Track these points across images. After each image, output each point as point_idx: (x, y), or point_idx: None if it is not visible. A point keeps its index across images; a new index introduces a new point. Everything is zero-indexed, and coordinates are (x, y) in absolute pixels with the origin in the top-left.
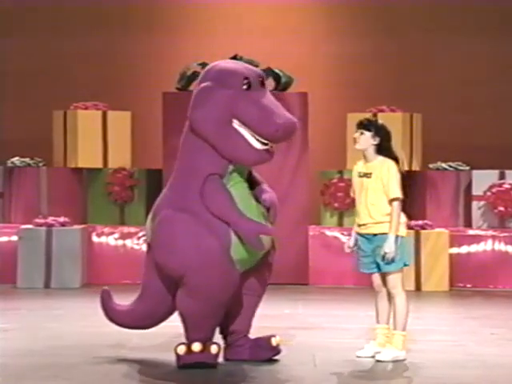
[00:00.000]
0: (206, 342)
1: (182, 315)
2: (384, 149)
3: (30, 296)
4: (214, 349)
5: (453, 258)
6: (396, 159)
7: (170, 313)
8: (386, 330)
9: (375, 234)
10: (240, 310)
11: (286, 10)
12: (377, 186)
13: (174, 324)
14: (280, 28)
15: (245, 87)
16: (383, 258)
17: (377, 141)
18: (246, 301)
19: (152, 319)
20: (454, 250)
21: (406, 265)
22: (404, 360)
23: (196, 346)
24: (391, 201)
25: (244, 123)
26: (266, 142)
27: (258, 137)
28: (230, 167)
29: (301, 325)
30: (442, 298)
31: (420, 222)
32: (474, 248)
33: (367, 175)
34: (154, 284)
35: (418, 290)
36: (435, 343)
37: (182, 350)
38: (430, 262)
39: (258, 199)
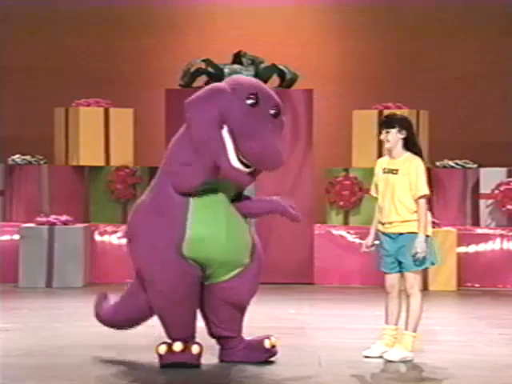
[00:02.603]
0: (188, 341)
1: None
2: (411, 143)
3: (32, 295)
4: (195, 349)
5: (460, 258)
6: (421, 153)
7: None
8: (393, 332)
9: (401, 233)
10: (225, 318)
11: (292, 7)
12: (404, 182)
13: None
14: (285, 25)
15: (249, 102)
16: (414, 257)
17: (404, 134)
18: (230, 308)
19: (129, 321)
20: (462, 249)
21: (433, 264)
22: (411, 361)
23: (177, 346)
24: (418, 198)
25: (231, 133)
26: (247, 163)
27: (240, 155)
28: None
29: (306, 325)
30: (449, 297)
31: None
32: (482, 247)
33: (393, 171)
34: (134, 284)
35: (425, 290)
36: (443, 343)
37: (162, 349)
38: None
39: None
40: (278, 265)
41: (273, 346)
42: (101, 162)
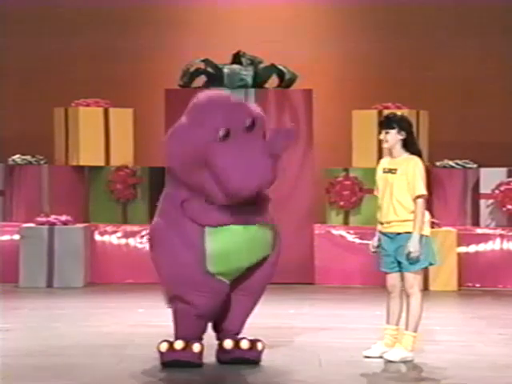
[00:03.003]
0: (190, 340)
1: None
2: (410, 143)
3: (33, 295)
4: (196, 347)
5: (461, 258)
6: (420, 153)
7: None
8: (394, 332)
9: (399, 233)
10: (231, 309)
11: (292, 7)
12: (402, 182)
13: None
14: (285, 25)
15: (220, 135)
16: (408, 257)
17: (403, 135)
18: (238, 300)
19: None
20: (462, 249)
21: (431, 264)
22: (411, 361)
23: (178, 344)
24: (416, 198)
25: (210, 174)
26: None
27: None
28: None
29: (306, 325)
30: (450, 297)
31: None
32: (482, 247)
33: (392, 171)
34: None
35: (425, 290)
36: (443, 343)
37: (163, 347)
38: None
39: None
40: (279, 265)
41: (250, 348)
42: (101, 162)
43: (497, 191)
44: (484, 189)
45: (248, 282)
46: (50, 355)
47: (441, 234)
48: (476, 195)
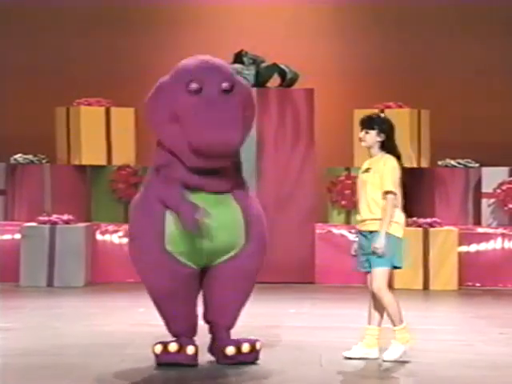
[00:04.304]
0: (183, 342)
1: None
2: (388, 145)
3: (33, 295)
4: (190, 350)
5: (462, 257)
6: (398, 156)
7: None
8: (376, 332)
9: (371, 232)
10: (218, 302)
11: (294, 6)
12: (375, 180)
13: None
14: (287, 24)
15: (191, 88)
16: (373, 253)
17: (382, 137)
18: (224, 293)
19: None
20: (463, 249)
21: (396, 267)
22: (409, 362)
23: (172, 347)
24: (384, 194)
25: (182, 125)
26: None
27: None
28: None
29: (307, 324)
30: (450, 297)
31: (428, 220)
32: (483, 246)
33: (368, 170)
34: None
35: (426, 289)
36: (443, 343)
37: (158, 349)
38: (439, 260)
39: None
40: (279, 264)
41: (240, 353)
42: (103, 162)
43: (498, 190)
44: (486, 188)
45: (228, 274)
46: (51, 354)
47: (442, 233)
48: (478, 194)
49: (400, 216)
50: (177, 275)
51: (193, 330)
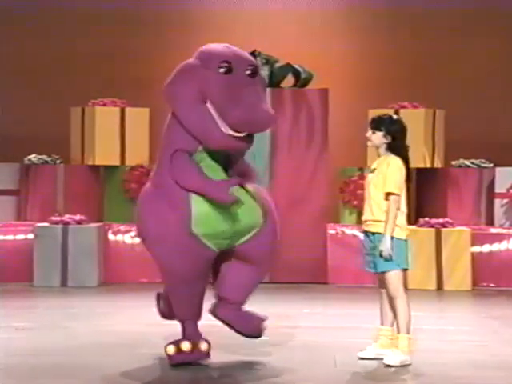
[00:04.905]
0: (194, 337)
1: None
2: (395, 147)
3: (47, 295)
4: (203, 346)
5: (475, 257)
6: (405, 159)
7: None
8: (389, 332)
9: (373, 233)
10: (231, 278)
11: (308, 7)
12: (378, 181)
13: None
14: (300, 24)
15: (222, 70)
16: (380, 256)
17: (388, 139)
18: (239, 270)
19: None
20: (476, 249)
21: (405, 269)
22: (410, 364)
23: (185, 345)
24: (386, 195)
25: (214, 106)
26: (235, 130)
27: (227, 125)
28: (200, 147)
29: (320, 324)
30: (464, 297)
31: (441, 220)
32: (496, 247)
33: (373, 170)
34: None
35: (439, 290)
36: (457, 343)
37: (171, 350)
38: (452, 260)
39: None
40: (292, 264)
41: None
42: (116, 162)
43: None
44: (499, 188)
45: (248, 254)
46: (64, 354)
47: (455, 234)
48: (491, 194)
49: (400, 218)
50: (200, 258)
51: (200, 314)
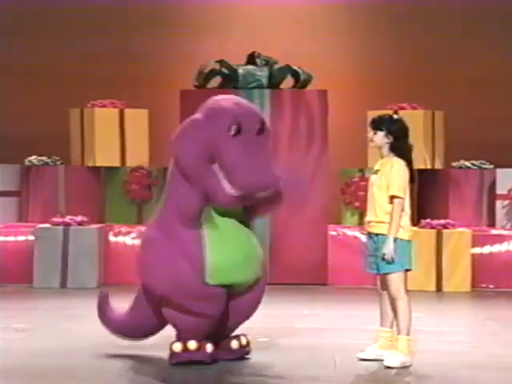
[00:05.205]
0: (201, 340)
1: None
2: (397, 147)
3: (47, 296)
4: (209, 347)
5: (475, 258)
6: (408, 160)
7: (161, 327)
8: (388, 334)
9: (377, 234)
10: (231, 325)
11: (307, 7)
12: (381, 182)
13: None
14: (299, 26)
15: (232, 132)
16: (383, 258)
17: (390, 139)
18: (238, 320)
19: (142, 331)
20: (477, 250)
21: (407, 269)
22: (410, 366)
23: (192, 344)
24: (390, 198)
25: (221, 166)
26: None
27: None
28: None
29: (320, 325)
30: (463, 298)
31: (442, 222)
32: (496, 248)
33: (376, 172)
34: (143, 298)
35: (439, 291)
36: (456, 344)
37: (177, 347)
38: (452, 262)
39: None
40: (292, 265)
41: (241, 346)
42: (116, 163)
43: None
44: (500, 189)
45: (244, 304)
46: (63, 355)
47: (455, 235)
48: (492, 196)
49: (404, 219)
50: (219, 301)
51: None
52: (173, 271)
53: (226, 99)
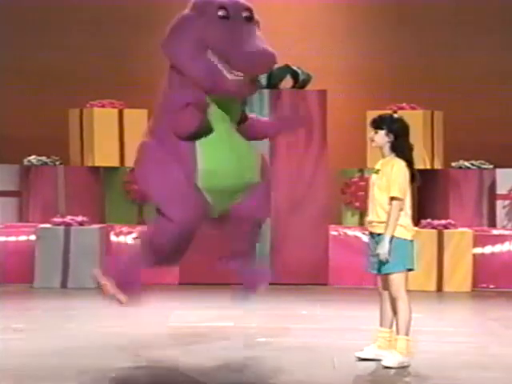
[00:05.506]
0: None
1: (147, 236)
2: (398, 146)
3: (47, 296)
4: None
5: (476, 259)
6: (408, 160)
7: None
8: (387, 334)
9: (379, 234)
10: (233, 235)
11: (305, 7)
12: (382, 182)
13: (190, 325)
14: (299, 26)
15: (220, 14)
16: (378, 258)
17: (391, 138)
18: (244, 228)
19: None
20: (478, 250)
21: (409, 269)
22: (408, 366)
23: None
24: (390, 199)
25: (215, 52)
26: (238, 74)
27: (230, 68)
28: (208, 99)
29: (319, 326)
30: (464, 298)
31: (443, 222)
32: (497, 248)
33: (377, 171)
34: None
35: (439, 291)
36: (456, 345)
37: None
38: (453, 262)
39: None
40: (292, 265)
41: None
42: (116, 163)
43: None
44: (500, 190)
45: (240, 212)
46: (64, 356)
47: (456, 235)
48: (492, 196)
49: (405, 219)
50: (200, 211)
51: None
52: (164, 177)
53: None
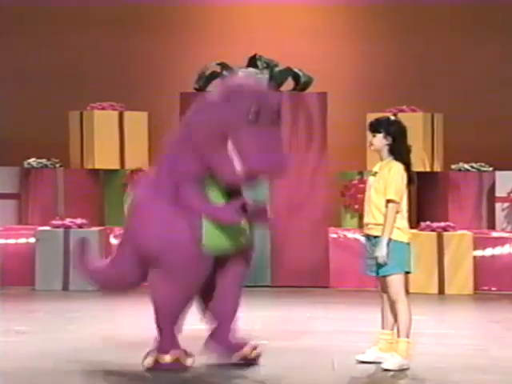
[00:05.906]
0: (179, 354)
1: (154, 301)
2: (396, 149)
3: (48, 298)
4: (189, 362)
5: (477, 261)
6: (406, 163)
7: (137, 283)
8: (389, 337)
9: (375, 236)
10: (216, 293)
11: (307, 10)
12: (379, 185)
13: (192, 327)
14: (300, 28)
15: (251, 118)
16: (376, 261)
17: (389, 140)
18: (223, 287)
19: (120, 284)
20: (478, 253)
21: (407, 272)
22: (408, 369)
23: (164, 359)
24: (386, 202)
25: (234, 147)
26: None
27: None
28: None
29: (320, 328)
30: (465, 301)
31: (442, 224)
32: (498, 250)
33: (375, 174)
34: (128, 252)
35: (441, 294)
36: (458, 347)
37: (149, 362)
38: (454, 264)
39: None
40: (293, 268)
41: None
42: (116, 166)
43: None
44: (499, 192)
45: (227, 269)
46: (65, 358)
47: (456, 238)
48: (491, 198)
49: (402, 222)
50: (204, 267)
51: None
52: (169, 230)
53: (246, 82)
